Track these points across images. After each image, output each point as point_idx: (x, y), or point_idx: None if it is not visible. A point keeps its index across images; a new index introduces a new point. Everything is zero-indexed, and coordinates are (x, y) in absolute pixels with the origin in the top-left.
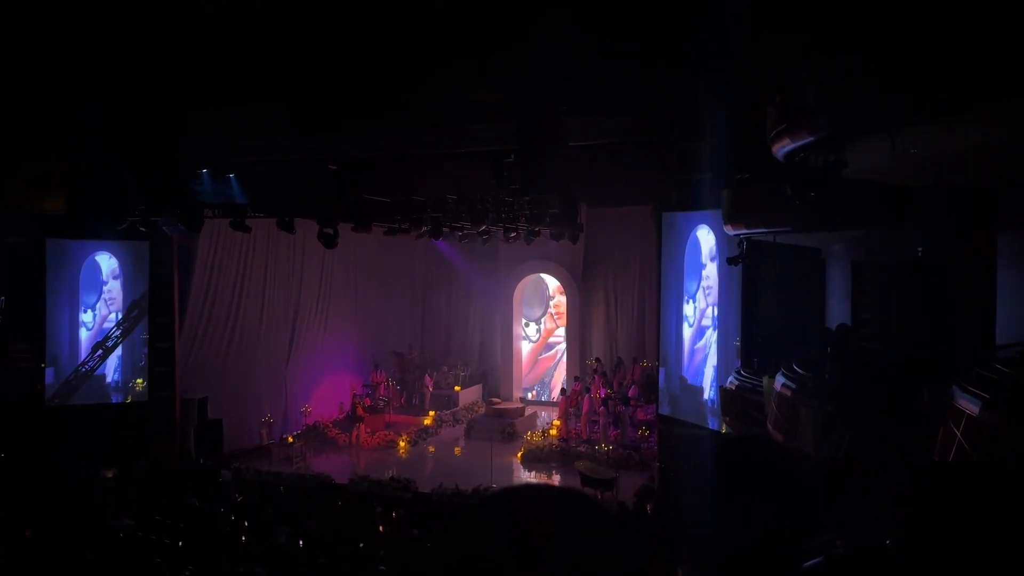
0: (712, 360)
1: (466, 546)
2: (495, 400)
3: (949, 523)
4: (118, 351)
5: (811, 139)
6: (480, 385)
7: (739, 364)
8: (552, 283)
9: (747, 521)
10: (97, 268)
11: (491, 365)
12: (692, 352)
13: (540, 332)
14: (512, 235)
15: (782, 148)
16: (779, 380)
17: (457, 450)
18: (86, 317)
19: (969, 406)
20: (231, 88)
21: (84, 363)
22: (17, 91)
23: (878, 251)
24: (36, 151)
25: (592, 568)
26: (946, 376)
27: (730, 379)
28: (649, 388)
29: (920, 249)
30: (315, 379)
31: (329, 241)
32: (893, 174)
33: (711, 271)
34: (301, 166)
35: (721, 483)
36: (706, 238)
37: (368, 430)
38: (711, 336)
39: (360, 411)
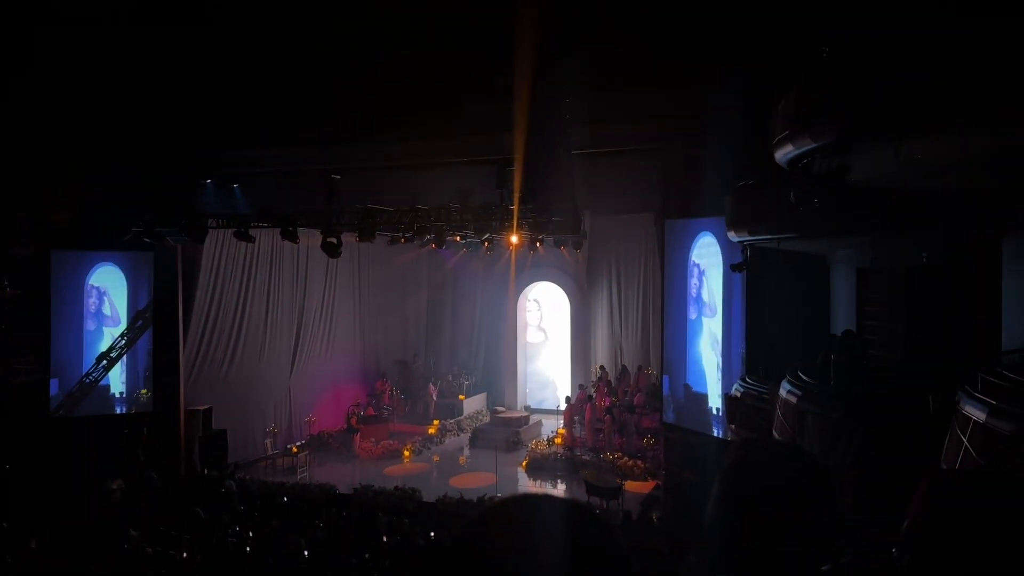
0: (717, 368)
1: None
2: (499, 409)
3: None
4: (122, 362)
5: (815, 145)
6: (484, 394)
7: (744, 371)
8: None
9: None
10: (101, 279)
11: (495, 374)
12: (696, 360)
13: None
14: (515, 243)
15: (785, 154)
16: (784, 387)
17: (462, 459)
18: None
19: (976, 412)
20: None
21: (88, 374)
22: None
23: (882, 257)
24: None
25: None
26: (952, 382)
27: (735, 387)
28: (654, 396)
29: (925, 254)
30: (320, 389)
31: (333, 250)
32: (897, 179)
33: (715, 278)
34: (304, 175)
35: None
36: (710, 245)
37: (371, 439)
38: (715, 344)
39: (354, 422)
